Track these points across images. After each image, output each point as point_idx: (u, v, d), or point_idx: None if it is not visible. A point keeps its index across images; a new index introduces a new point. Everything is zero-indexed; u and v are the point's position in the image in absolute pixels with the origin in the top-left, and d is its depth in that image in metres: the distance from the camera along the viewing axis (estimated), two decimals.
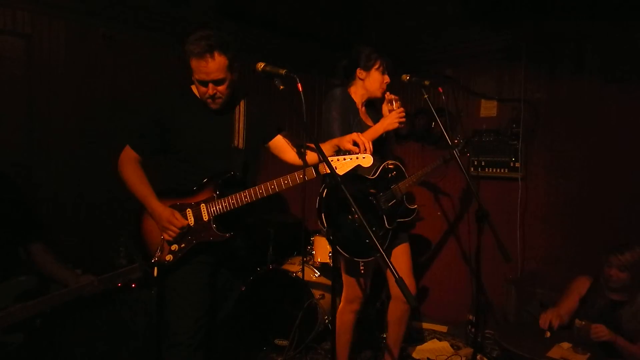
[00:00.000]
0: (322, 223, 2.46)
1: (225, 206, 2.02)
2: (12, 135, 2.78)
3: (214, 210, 2.03)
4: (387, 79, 2.63)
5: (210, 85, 1.97)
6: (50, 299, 2.18)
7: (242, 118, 2.15)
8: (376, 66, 2.58)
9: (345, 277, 2.70)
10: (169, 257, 2.03)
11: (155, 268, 2.02)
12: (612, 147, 3.28)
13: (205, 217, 2.04)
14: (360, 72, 2.61)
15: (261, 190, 1.98)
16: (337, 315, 2.72)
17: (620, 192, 3.23)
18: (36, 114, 2.88)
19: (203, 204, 2.04)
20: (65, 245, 2.91)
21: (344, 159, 1.89)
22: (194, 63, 1.94)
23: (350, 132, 2.28)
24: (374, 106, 2.78)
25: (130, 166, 2.12)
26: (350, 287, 2.68)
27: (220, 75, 1.95)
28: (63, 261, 2.40)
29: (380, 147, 2.65)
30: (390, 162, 2.68)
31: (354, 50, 2.63)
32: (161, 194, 2.08)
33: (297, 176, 1.94)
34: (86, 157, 3.04)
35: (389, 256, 2.62)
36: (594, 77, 3.36)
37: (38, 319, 2.19)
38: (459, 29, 3.74)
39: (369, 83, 2.61)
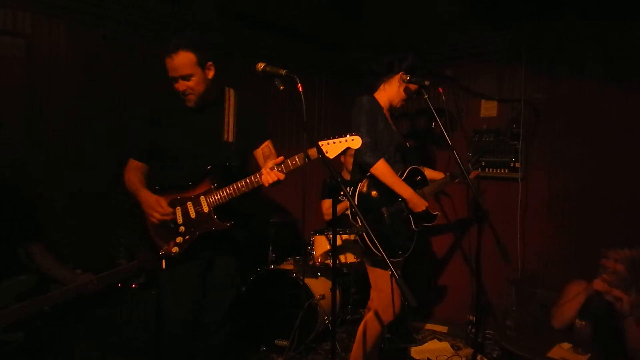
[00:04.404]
0: (357, 222, 2.41)
1: (224, 196, 2.08)
2: (12, 134, 2.78)
3: (213, 201, 2.10)
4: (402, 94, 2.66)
5: (180, 81, 2.08)
6: (50, 297, 2.19)
7: (232, 112, 2.22)
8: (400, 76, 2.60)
9: (378, 284, 2.57)
10: (175, 249, 2.11)
11: (163, 261, 2.13)
12: (613, 147, 3.27)
13: (206, 209, 2.11)
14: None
15: (256, 178, 2.02)
16: (367, 324, 2.58)
17: (621, 192, 3.23)
18: (36, 113, 2.88)
19: (202, 196, 2.12)
20: (65, 245, 2.92)
21: (334, 142, 1.90)
22: (166, 61, 2.07)
23: (378, 136, 2.47)
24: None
25: (130, 172, 2.26)
26: (384, 296, 2.52)
27: (187, 71, 2.06)
28: (63, 261, 2.41)
29: (405, 152, 2.69)
30: (414, 166, 2.70)
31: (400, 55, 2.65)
32: (162, 190, 2.18)
33: (290, 163, 1.97)
34: (86, 157, 3.04)
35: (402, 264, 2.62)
36: (594, 77, 3.36)
37: (38, 318, 2.19)
38: (459, 29, 3.74)
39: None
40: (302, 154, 1.93)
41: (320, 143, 1.85)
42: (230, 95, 2.26)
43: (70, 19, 2.96)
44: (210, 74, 2.14)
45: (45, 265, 2.33)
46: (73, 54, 2.98)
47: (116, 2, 3.06)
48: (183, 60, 2.04)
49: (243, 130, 2.23)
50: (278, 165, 1.97)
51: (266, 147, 2.28)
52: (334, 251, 2.19)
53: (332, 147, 1.89)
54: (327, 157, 1.79)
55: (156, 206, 2.10)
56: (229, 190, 2.07)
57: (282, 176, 1.97)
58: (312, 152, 1.88)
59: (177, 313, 2.21)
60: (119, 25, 3.14)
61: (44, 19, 2.86)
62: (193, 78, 2.08)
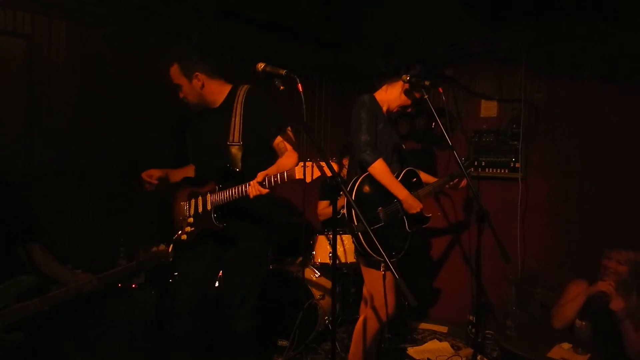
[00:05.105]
0: (353, 220, 2.40)
1: (221, 199, 2.15)
2: (12, 135, 2.78)
3: (214, 200, 2.18)
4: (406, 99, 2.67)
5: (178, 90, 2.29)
6: (50, 298, 2.18)
7: (239, 114, 2.26)
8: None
9: (373, 286, 2.57)
10: (184, 237, 2.29)
11: (172, 245, 2.30)
12: (612, 148, 3.28)
13: (209, 207, 2.21)
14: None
15: (245, 188, 2.05)
16: (362, 324, 2.58)
17: (621, 192, 3.23)
18: (36, 113, 2.88)
19: (209, 194, 2.22)
20: (65, 245, 2.92)
21: (308, 166, 1.90)
22: None
23: (377, 137, 2.50)
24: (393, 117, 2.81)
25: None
26: (380, 297, 2.49)
27: (176, 82, 2.26)
28: (62, 261, 2.42)
29: (402, 154, 2.70)
30: (410, 168, 2.71)
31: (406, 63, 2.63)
32: (188, 183, 2.38)
33: (272, 179, 1.96)
34: (86, 157, 3.04)
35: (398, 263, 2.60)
36: (594, 77, 3.36)
37: (38, 318, 2.19)
38: (460, 29, 3.74)
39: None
40: (284, 172, 1.92)
41: (301, 164, 1.84)
42: (241, 95, 2.28)
43: (70, 19, 2.96)
44: (198, 84, 2.23)
45: (45, 265, 2.33)
46: (73, 54, 2.98)
47: (116, 2, 3.05)
48: (172, 72, 2.24)
49: (251, 130, 2.25)
50: (262, 182, 1.98)
51: (280, 142, 2.29)
52: (334, 251, 2.19)
53: (308, 171, 1.85)
54: (308, 180, 1.82)
55: (147, 172, 2.36)
56: (226, 194, 2.14)
57: (264, 191, 1.99)
58: (292, 171, 1.88)
59: (178, 295, 2.34)
60: (119, 25, 3.14)
61: (44, 19, 2.87)
62: (183, 88, 2.25)
